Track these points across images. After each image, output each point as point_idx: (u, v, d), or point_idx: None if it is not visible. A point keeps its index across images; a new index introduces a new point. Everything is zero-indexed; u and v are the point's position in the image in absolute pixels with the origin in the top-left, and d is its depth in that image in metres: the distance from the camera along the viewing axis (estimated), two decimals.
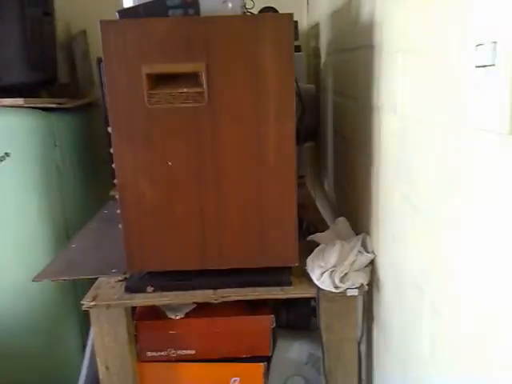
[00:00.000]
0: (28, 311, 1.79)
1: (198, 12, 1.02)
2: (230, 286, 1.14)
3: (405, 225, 0.93)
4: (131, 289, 1.14)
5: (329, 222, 1.54)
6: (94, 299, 1.13)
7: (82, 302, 1.12)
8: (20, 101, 1.70)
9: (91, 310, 1.14)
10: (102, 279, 1.21)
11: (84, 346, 1.63)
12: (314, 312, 1.29)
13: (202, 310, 1.26)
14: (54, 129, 1.78)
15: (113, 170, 1.07)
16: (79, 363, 1.57)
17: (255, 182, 1.07)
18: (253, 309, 1.28)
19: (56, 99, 1.81)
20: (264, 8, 1.12)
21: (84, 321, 1.83)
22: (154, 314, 1.27)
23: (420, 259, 0.85)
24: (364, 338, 1.31)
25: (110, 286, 1.18)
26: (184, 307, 1.26)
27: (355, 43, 1.26)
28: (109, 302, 1.12)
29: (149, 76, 1.00)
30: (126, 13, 1.03)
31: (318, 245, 1.24)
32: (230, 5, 1.13)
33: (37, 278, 1.25)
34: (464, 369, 0.68)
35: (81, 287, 1.54)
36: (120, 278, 1.20)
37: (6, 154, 1.69)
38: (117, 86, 1.02)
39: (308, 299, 1.31)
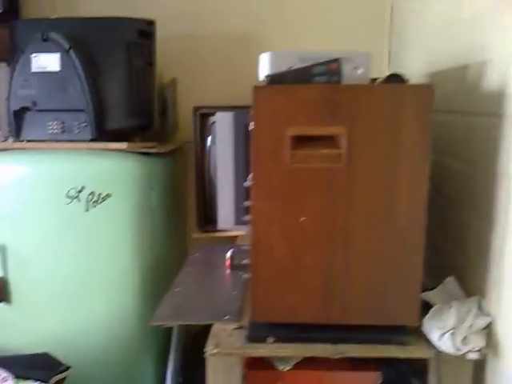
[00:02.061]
0: (108, 345, 1.84)
1: (339, 79, 1.09)
2: (349, 342, 1.16)
3: None
4: (252, 338, 1.17)
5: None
6: (216, 347, 1.16)
7: (204, 350, 1.15)
8: (124, 145, 1.79)
9: (210, 358, 1.17)
10: (217, 326, 1.25)
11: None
12: (414, 372, 1.29)
13: (307, 361, 1.27)
14: (151, 172, 1.87)
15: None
16: None
17: (384, 242, 1.11)
18: (357, 363, 1.29)
19: (152, 143, 1.90)
20: (391, 75, 1.18)
21: (160, 359, 1.87)
22: (261, 363, 1.29)
23: None
24: None
25: (227, 334, 1.21)
26: (292, 359, 1.28)
27: (472, 108, 1.31)
28: (231, 351, 1.15)
29: (292, 137, 1.07)
30: (273, 78, 1.10)
31: (426, 303, 1.25)
32: (359, 71, 1.20)
33: (153, 322, 1.29)
34: None
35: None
36: (236, 326, 1.23)
37: (107, 195, 1.77)
38: (262, 144, 1.09)
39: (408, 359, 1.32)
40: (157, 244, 1.91)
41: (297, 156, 1.07)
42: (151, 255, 1.86)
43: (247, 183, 1.13)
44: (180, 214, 2.21)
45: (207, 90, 2.15)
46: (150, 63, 1.93)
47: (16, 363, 1.54)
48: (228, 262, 1.59)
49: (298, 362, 1.28)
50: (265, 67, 1.19)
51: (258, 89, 1.07)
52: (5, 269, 1.83)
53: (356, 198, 1.09)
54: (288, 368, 1.27)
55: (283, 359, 1.27)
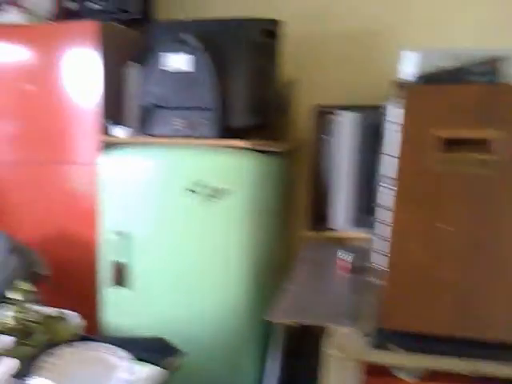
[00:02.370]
0: (216, 334, 1.88)
1: (497, 80, 1.01)
2: (485, 359, 1.07)
3: None
4: (378, 345, 1.12)
5: None
6: (342, 350, 1.12)
7: (329, 352, 1.12)
8: (245, 143, 1.83)
9: (331, 359, 1.14)
10: (338, 329, 1.21)
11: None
12: None
13: (433, 374, 1.19)
14: (269, 170, 1.88)
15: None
16: None
17: None
18: (478, 380, 1.18)
19: (271, 142, 1.91)
20: None
21: (261, 353, 1.87)
22: (380, 370, 1.23)
23: None
24: None
25: (349, 338, 1.17)
26: (418, 370, 1.21)
27: None
28: (358, 357, 1.11)
29: (441, 140, 1.00)
30: (424, 78, 1.04)
31: None
32: None
33: (269, 318, 1.28)
34: None
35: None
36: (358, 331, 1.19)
37: (226, 190, 1.81)
38: (408, 146, 1.04)
39: None
40: (268, 239, 1.93)
41: (446, 160, 1.01)
42: (262, 250, 1.88)
43: (384, 185, 1.09)
44: (291, 211, 2.21)
45: (328, 89, 2.12)
46: (273, 63, 1.95)
47: (133, 345, 1.60)
48: (346, 265, 1.54)
49: (423, 374, 1.21)
50: (410, 66, 1.14)
51: (409, 88, 1.03)
52: (125, 254, 1.94)
53: (509, 209, 1.00)
54: (417, 380, 1.20)
55: (408, 369, 1.20)
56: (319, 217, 1.97)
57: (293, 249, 2.20)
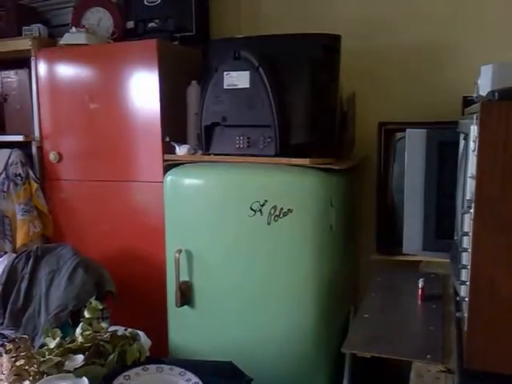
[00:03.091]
0: (281, 358, 1.84)
1: None
2: None
3: None
4: None
5: None
6: None
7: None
8: (306, 161, 1.80)
9: None
10: (420, 365, 1.16)
11: None
12: None
13: None
14: (332, 188, 1.84)
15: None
16: None
17: None
18: None
19: (332, 159, 1.87)
20: None
21: (328, 378, 1.83)
22: None
23: None
24: None
25: (433, 376, 1.12)
26: None
27: None
28: None
29: None
30: (506, 93, 0.98)
31: None
32: None
33: (345, 349, 1.25)
34: None
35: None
36: (442, 369, 1.14)
37: (289, 209, 1.78)
38: (489, 166, 0.97)
39: None
40: (333, 261, 1.88)
41: None
42: (327, 271, 1.83)
43: (464, 209, 1.03)
44: (356, 232, 2.16)
45: (391, 105, 2.06)
46: (334, 78, 1.91)
47: (201, 368, 1.59)
48: (419, 291, 1.49)
49: None
50: (485, 80, 1.08)
51: (486, 104, 0.96)
52: (190, 274, 1.95)
53: None
54: None
55: None
56: (388, 239, 1.90)
57: (360, 271, 2.15)
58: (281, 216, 1.79)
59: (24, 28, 2.40)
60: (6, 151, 2.39)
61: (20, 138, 2.37)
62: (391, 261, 1.87)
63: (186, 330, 1.99)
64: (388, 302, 1.52)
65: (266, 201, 1.80)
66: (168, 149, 2.08)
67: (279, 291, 1.83)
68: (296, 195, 1.79)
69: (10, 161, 2.37)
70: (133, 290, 2.15)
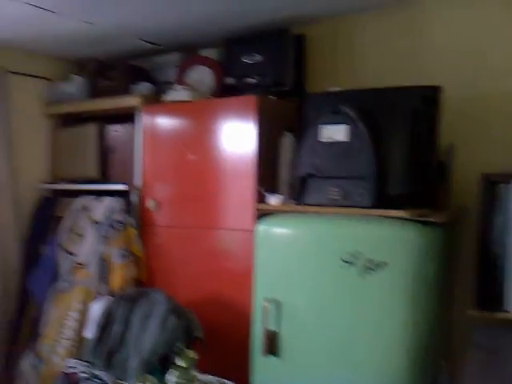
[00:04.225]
0: None
1: None
2: None
3: None
4: None
5: None
6: None
7: None
8: (403, 213, 1.75)
9: None
10: None
11: None
12: None
13: None
14: (430, 242, 1.77)
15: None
16: None
17: None
18: None
19: (430, 211, 1.81)
20: None
21: None
22: None
23: None
24: None
25: None
26: None
27: None
28: None
29: None
30: None
31: None
32: None
33: None
34: None
35: None
36: None
37: (383, 262, 1.73)
38: None
39: None
40: (428, 315, 1.78)
41: None
42: (421, 325, 1.74)
43: None
44: (455, 287, 2.04)
45: (493, 154, 1.97)
46: (433, 129, 1.88)
47: None
48: None
49: None
50: None
51: None
52: (277, 323, 1.92)
53: None
54: None
55: None
56: (488, 294, 1.78)
57: (457, 330, 2.01)
58: (375, 269, 1.74)
59: (132, 86, 2.62)
60: (110, 199, 2.56)
61: (123, 187, 2.53)
62: (490, 318, 1.72)
63: (271, 380, 1.95)
64: (489, 366, 1.40)
65: (359, 252, 1.76)
66: (260, 198, 2.12)
67: (369, 345, 1.76)
68: (391, 248, 1.74)
69: (112, 208, 2.53)
70: (216, 336, 2.15)
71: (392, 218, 1.78)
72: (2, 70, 2.65)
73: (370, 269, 1.74)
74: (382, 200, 1.81)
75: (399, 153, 1.82)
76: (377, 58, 2.29)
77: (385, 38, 2.26)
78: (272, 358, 1.92)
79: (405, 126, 1.82)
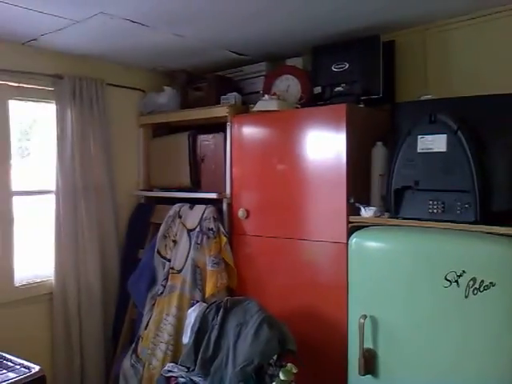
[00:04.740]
0: None
1: None
2: None
3: None
4: None
5: None
6: None
7: None
8: (510, 229, 1.63)
9: None
10: None
11: None
12: None
13: None
14: None
15: None
16: None
17: None
18: None
19: None
20: None
21: None
22: None
23: None
24: None
25: None
26: None
27: None
28: None
29: None
30: None
31: None
32: None
33: None
34: None
35: None
36: None
37: (491, 283, 1.63)
38: None
39: None
40: None
41: None
42: None
43: None
44: None
45: None
46: None
47: None
48: None
49: None
50: None
51: None
52: (374, 341, 1.88)
53: None
54: None
55: None
56: None
57: None
58: (481, 289, 1.64)
59: (222, 97, 2.67)
60: (202, 207, 2.63)
61: (214, 196, 2.60)
62: None
63: None
64: None
65: (463, 271, 1.67)
66: (351, 210, 2.08)
67: (473, 369, 1.67)
68: (500, 267, 1.63)
69: (205, 216, 2.60)
70: (310, 350, 2.14)
71: (498, 235, 1.67)
72: (102, 82, 2.78)
73: (476, 289, 1.65)
74: (487, 215, 1.72)
75: (505, 165, 1.71)
76: (470, 63, 2.15)
77: (483, 43, 2.12)
78: (369, 378, 1.88)
79: (510, 135, 1.70)
